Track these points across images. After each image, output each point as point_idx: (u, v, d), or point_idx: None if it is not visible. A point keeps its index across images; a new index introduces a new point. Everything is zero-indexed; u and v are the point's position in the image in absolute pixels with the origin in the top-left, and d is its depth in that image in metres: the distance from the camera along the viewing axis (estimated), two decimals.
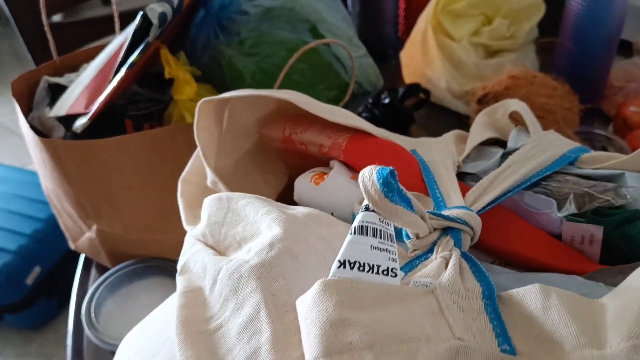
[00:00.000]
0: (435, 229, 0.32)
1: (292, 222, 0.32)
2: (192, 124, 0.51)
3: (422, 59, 0.87)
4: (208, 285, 0.33)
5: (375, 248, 0.28)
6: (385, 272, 0.28)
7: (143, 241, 0.56)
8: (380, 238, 0.28)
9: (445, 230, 0.32)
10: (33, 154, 0.57)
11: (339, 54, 0.57)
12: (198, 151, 0.43)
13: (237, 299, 0.30)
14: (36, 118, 0.58)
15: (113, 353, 0.54)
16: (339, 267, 0.28)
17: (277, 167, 0.46)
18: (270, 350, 0.27)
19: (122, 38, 0.62)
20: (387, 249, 0.29)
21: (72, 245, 0.68)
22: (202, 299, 0.32)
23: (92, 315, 0.54)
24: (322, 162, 0.43)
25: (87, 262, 0.69)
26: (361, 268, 0.28)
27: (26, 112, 0.59)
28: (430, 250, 0.32)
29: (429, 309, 0.27)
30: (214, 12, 0.55)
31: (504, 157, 0.41)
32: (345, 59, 0.58)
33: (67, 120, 0.55)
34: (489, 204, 0.36)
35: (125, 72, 0.48)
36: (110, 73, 0.55)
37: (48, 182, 0.57)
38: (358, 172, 0.36)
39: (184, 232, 0.55)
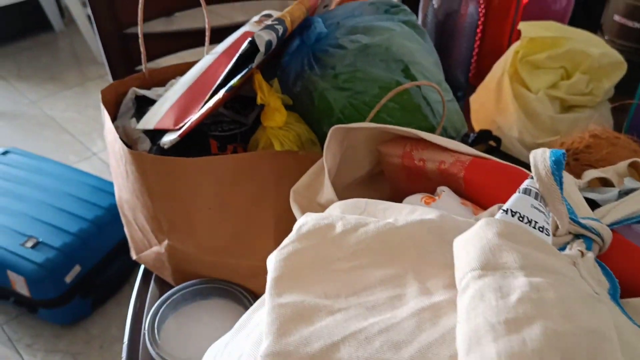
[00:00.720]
0: (569, 233, 0.36)
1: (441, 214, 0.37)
2: (279, 152, 0.52)
3: (494, 106, 0.86)
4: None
5: (535, 208, 0.34)
6: (540, 229, 0.33)
7: (214, 263, 0.56)
8: (540, 202, 0.34)
9: (577, 237, 0.36)
10: (114, 162, 0.58)
11: (428, 96, 0.57)
12: (314, 169, 0.46)
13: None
14: (120, 127, 0.59)
15: None
16: (503, 213, 0.34)
17: (383, 191, 0.48)
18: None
19: (211, 58, 0.63)
20: (543, 212, 0.34)
21: (134, 256, 0.69)
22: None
23: (155, 331, 0.54)
24: (427, 188, 0.44)
25: (146, 275, 0.69)
26: (521, 218, 0.33)
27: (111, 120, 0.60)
28: (562, 250, 0.36)
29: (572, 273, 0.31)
30: (310, 43, 0.55)
31: (621, 194, 0.44)
32: (434, 103, 0.57)
33: (154, 133, 0.56)
34: (615, 223, 0.39)
35: (223, 95, 0.48)
36: (202, 92, 0.56)
37: (125, 192, 0.58)
38: (473, 194, 0.40)
39: (256, 258, 0.55)
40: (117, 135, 0.52)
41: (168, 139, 0.52)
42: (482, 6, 0.95)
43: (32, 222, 1.53)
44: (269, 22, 0.49)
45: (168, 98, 0.57)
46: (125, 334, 0.63)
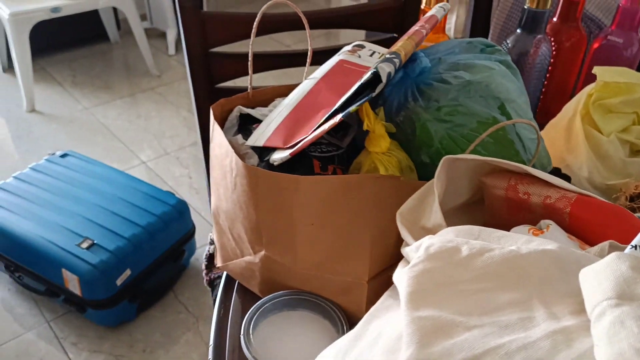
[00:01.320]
0: None
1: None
2: (382, 176, 0.55)
3: (564, 144, 0.88)
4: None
5: None
6: None
7: (307, 276, 0.59)
8: None
9: None
10: (219, 174, 0.61)
11: (520, 133, 0.60)
12: (419, 194, 0.48)
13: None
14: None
15: None
16: (631, 248, 0.37)
17: (476, 220, 0.50)
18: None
19: (310, 82, 0.67)
20: None
21: (218, 263, 0.72)
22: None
23: (251, 336, 0.57)
24: (528, 220, 0.47)
25: (228, 284, 0.73)
26: None
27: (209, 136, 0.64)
28: None
29: None
30: (414, 75, 0.59)
31: None
32: (526, 140, 0.60)
33: (261, 150, 0.59)
34: None
35: (339, 119, 0.52)
36: (306, 115, 0.60)
37: (227, 203, 0.61)
38: (577, 229, 0.42)
39: (350, 275, 0.58)
40: (230, 149, 0.56)
41: (279, 156, 0.56)
42: (554, 47, 0.98)
43: (88, 224, 1.58)
44: (386, 55, 0.53)
45: (273, 119, 0.61)
46: (211, 338, 0.66)
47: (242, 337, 0.57)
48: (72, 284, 1.51)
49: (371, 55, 0.72)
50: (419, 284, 0.37)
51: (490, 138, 0.58)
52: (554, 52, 0.99)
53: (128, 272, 1.54)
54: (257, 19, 0.64)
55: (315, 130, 0.54)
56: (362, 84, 0.52)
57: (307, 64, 0.69)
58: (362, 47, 0.74)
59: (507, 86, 0.59)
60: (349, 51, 0.72)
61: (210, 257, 1.13)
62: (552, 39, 0.98)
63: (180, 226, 1.70)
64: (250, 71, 0.68)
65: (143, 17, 3.24)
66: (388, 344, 0.37)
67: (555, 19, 0.99)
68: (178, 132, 2.49)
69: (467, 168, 0.52)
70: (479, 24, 1.09)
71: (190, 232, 1.75)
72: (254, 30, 0.64)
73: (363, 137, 0.64)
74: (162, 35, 3.24)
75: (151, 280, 1.63)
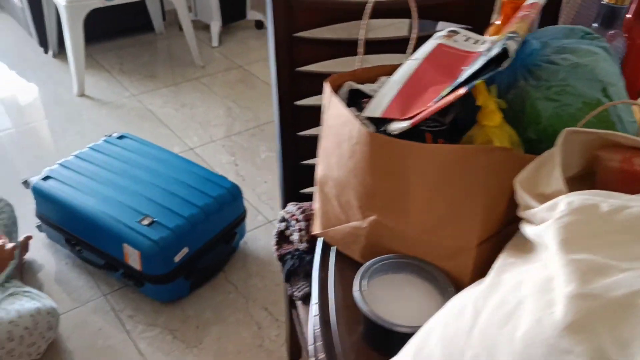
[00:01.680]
0: None
1: None
2: (496, 147, 0.59)
3: None
4: None
5: None
6: None
7: (416, 240, 0.63)
8: None
9: None
10: (333, 143, 0.66)
11: (621, 116, 0.63)
12: (535, 164, 0.52)
13: None
14: None
15: (373, 327, 0.60)
16: None
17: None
18: None
19: (413, 63, 0.71)
20: None
21: (316, 230, 0.77)
22: None
23: (364, 292, 0.61)
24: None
25: (324, 250, 0.77)
26: None
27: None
28: None
29: None
30: (523, 56, 0.63)
31: None
32: (626, 122, 0.64)
33: (377, 121, 0.64)
34: None
35: (465, 91, 0.56)
36: (418, 91, 0.64)
37: (338, 170, 0.66)
38: None
39: (459, 240, 0.62)
40: (352, 118, 0.61)
41: (398, 126, 0.60)
42: (627, 44, 1.01)
43: (148, 202, 1.64)
44: (508, 34, 0.57)
45: (385, 94, 0.66)
46: (315, 296, 0.71)
47: (357, 292, 0.61)
48: (133, 258, 1.57)
49: (466, 40, 0.76)
50: (569, 232, 0.41)
51: (594, 118, 0.62)
52: (626, 48, 1.02)
53: (185, 250, 1.60)
54: (369, 8, 0.69)
55: (437, 102, 0.59)
56: (490, 59, 0.56)
57: (412, 47, 0.74)
58: (456, 32, 0.78)
59: (609, 70, 0.63)
60: (444, 36, 0.77)
61: (280, 234, 1.18)
62: (626, 35, 1.01)
63: (233, 209, 1.75)
64: (361, 50, 0.73)
65: (188, 9, 3.31)
66: (536, 285, 0.41)
67: (629, 16, 1.02)
68: (223, 122, 2.55)
69: (581, 142, 0.56)
70: (548, 19, 1.13)
71: (242, 215, 1.81)
72: (365, 16, 0.68)
73: (462, 117, 0.68)
74: (206, 27, 3.31)
75: (205, 260, 1.68)
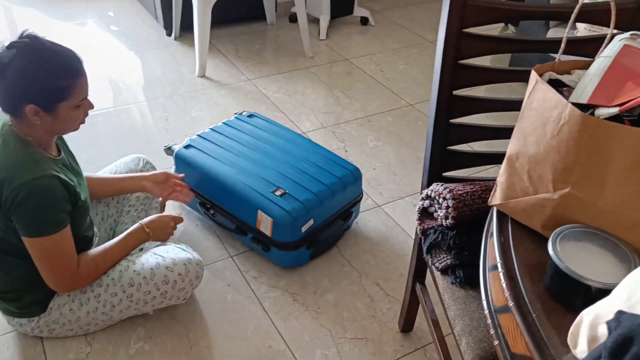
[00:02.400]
0: None
1: None
2: None
3: None
4: None
5: None
6: None
7: (605, 212, 0.73)
8: None
9: None
10: (537, 124, 0.77)
11: None
12: None
13: None
14: None
15: (564, 281, 0.71)
16: None
17: None
18: None
19: (607, 60, 0.81)
20: None
21: (495, 201, 0.88)
22: None
23: (558, 252, 0.72)
24: None
25: (500, 219, 0.88)
26: None
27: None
28: None
29: None
30: None
31: None
32: None
33: (580, 107, 0.74)
34: None
35: None
36: (618, 82, 0.74)
37: (537, 147, 0.77)
38: None
39: None
40: (563, 102, 0.72)
41: (605, 111, 0.71)
42: None
43: (279, 176, 1.80)
44: None
45: (587, 84, 0.76)
46: (498, 259, 0.82)
47: (552, 251, 0.72)
48: (265, 225, 1.73)
49: None
50: None
51: None
52: None
53: (311, 222, 1.75)
54: (576, 9, 0.79)
55: None
56: None
57: (604, 46, 0.83)
58: (638, 35, 0.87)
59: None
60: (628, 38, 0.86)
61: (423, 211, 1.29)
62: None
63: (354, 190, 1.89)
64: (562, 46, 0.83)
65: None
66: None
67: None
68: (332, 110, 2.70)
69: None
70: None
71: (360, 197, 1.94)
72: (573, 17, 0.79)
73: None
74: (314, 20, 3.47)
75: (325, 233, 1.83)
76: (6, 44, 1.23)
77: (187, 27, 3.20)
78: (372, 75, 3.01)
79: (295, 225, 1.71)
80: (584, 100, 0.74)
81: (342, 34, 3.48)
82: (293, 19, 3.57)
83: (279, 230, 1.71)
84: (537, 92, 0.78)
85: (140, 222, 1.55)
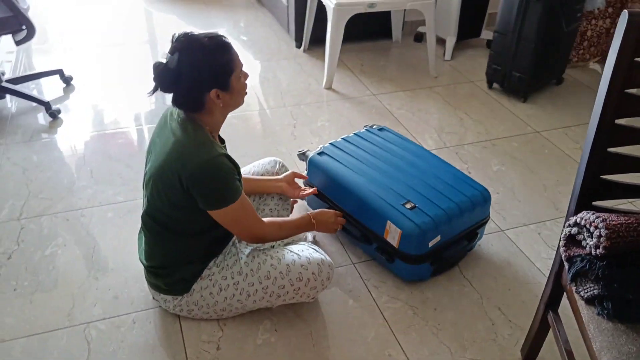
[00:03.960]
0: None
1: None
2: None
3: None
4: None
5: None
6: None
7: None
8: None
9: None
10: None
11: None
12: None
13: None
14: None
15: None
16: None
17: None
18: None
19: None
20: None
21: None
22: None
23: None
24: None
25: None
26: None
27: None
28: None
29: None
30: None
31: None
32: None
33: None
34: None
35: None
36: None
37: None
38: None
39: None
40: None
41: None
42: None
43: (409, 189, 1.84)
44: None
45: None
46: None
47: None
48: (392, 235, 1.77)
49: None
50: None
51: None
52: None
53: (439, 237, 1.76)
54: None
55: None
56: None
57: None
58: None
59: None
60: None
61: (570, 237, 1.27)
62: None
63: (482, 210, 1.88)
64: None
65: (423, 22, 3.52)
66: None
67: None
68: (456, 130, 2.70)
69: None
70: None
71: (486, 219, 1.93)
72: None
73: None
74: (439, 41, 3.49)
75: (449, 251, 1.83)
76: (166, 52, 1.40)
77: (316, 40, 3.33)
78: (497, 99, 2.98)
79: (424, 240, 1.73)
80: None
81: (467, 55, 3.47)
82: (418, 38, 3.61)
83: (407, 242, 1.74)
84: None
85: (308, 212, 1.73)
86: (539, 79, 2.93)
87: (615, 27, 2.66)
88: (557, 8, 2.70)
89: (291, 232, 1.67)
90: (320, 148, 2.06)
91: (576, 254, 1.25)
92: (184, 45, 1.37)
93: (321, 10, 3.07)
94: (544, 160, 2.51)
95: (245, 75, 1.50)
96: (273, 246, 1.74)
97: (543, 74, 2.95)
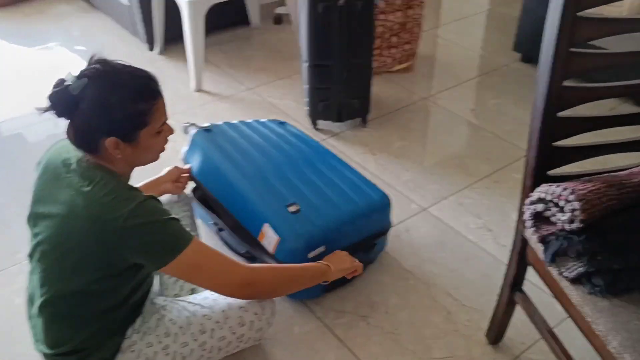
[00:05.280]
0: None
1: None
2: None
3: None
4: None
5: None
6: None
7: None
8: None
9: None
10: None
11: None
12: None
13: None
14: None
15: None
16: None
17: None
18: None
19: None
20: None
21: None
22: None
23: None
24: None
25: None
26: None
27: None
28: None
29: None
30: None
31: None
32: None
33: None
34: None
35: None
36: None
37: None
38: None
39: None
40: None
41: None
42: None
43: (297, 191, 1.61)
44: None
45: None
46: None
47: None
48: (268, 241, 1.54)
49: None
50: None
51: None
52: None
53: (322, 249, 1.54)
54: None
55: None
56: None
57: None
58: None
59: None
60: None
61: (537, 215, 1.18)
62: None
63: (379, 219, 1.68)
64: None
65: (281, 2, 3.32)
66: None
67: None
68: None
69: None
70: None
71: (386, 228, 1.72)
72: None
73: None
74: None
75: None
76: (72, 74, 1.10)
77: (171, 40, 3.00)
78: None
79: (302, 250, 1.51)
80: None
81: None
82: (278, 20, 3.41)
83: (283, 251, 1.52)
84: None
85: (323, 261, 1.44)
86: None
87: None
88: None
89: (306, 284, 1.40)
90: (210, 124, 1.83)
91: (549, 232, 1.16)
92: (97, 74, 1.11)
93: (171, 4, 2.73)
94: (440, 125, 2.47)
95: (169, 131, 1.23)
96: (193, 289, 1.47)
97: None
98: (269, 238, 1.55)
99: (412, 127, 2.46)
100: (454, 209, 2.00)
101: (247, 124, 1.89)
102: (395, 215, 1.79)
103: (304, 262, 1.47)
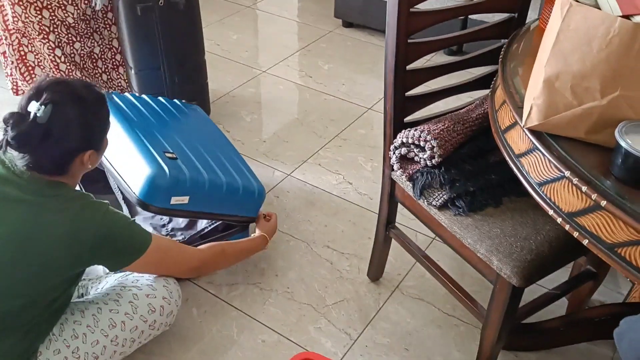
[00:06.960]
0: None
1: None
2: None
3: None
4: None
5: None
6: None
7: None
8: None
9: None
10: (581, 43, 0.85)
11: None
12: None
13: None
14: None
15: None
16: None
17: None
18: None
19: None
20: None
21: (532, 122, 0.96)
22: None
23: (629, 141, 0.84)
24: None
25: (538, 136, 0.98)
26: None
27: None
28: None
29: None
30: None
31: None
32: None
33: None
34: None
35: None
36: None
37: (582, 64, 0.86)
38: None
39: None
40: (611, 17, 0.82)
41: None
42: None
43: (182, 149, 1.63)
44: None
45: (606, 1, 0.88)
46: (563, 172, 0.91)
47: (619, 135, 0.84)
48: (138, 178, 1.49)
49: None
50: None
51: None
52: None
53: (185, 199, 1.53)
54: None
55: None
56: None
57: None
58: None
59: None
60: None
61: (402, 158, 1.35)
62: None
63: (248, 205, 1.71)
64: None
65: None
66: None
67: None
68: None
69: None
70: None
71: (250, 220, 1.73)
72: None
73: None
74: None
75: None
76: (33, 103, 1.09)
77: None
78: (210, 51, 2.90)
79: (167, 193, 1.49)
80: (618, 13, 0.86)
81: None
82: None
83: (150, 187, 1.47)
84: (573, 14, 0.87)
85: (260, 233, 1.65)
86: None
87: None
88: None
89: (242, 255, 1.63)
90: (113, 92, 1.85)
91: (414, 170, 1.34)
92: (60, 97, 1.11)
93: None
94: (283, 96, 2.58)
95: None
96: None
97: None
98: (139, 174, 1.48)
99: (257, 100, 2.54)
100: (314, 170, 2.14)
101: (153, 98, 1.87)
102: (263, 185, 1.87)
103: (166, 204, 1.50)
